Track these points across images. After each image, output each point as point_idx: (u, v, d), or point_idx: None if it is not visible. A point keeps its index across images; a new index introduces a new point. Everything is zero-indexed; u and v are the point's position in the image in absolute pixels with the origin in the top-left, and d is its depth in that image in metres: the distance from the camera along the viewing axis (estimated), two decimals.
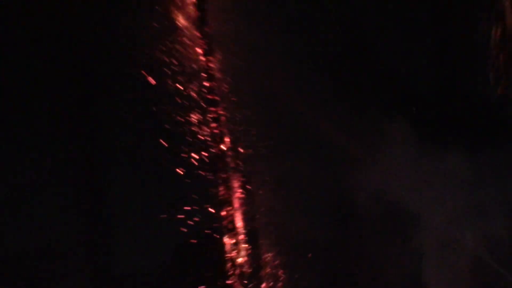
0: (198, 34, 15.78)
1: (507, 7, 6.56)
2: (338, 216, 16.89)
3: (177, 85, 15.33)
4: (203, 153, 15.15)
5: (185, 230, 15.51)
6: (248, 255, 15.88)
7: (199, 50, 15.75)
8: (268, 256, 16.07)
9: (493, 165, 14.72)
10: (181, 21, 15.75)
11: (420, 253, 15.83)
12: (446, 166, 14.85)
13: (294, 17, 15.96)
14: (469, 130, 14.54)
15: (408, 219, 15.30)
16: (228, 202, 15.59)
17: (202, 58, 15.75)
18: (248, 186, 16.16)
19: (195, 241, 15.43)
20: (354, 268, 16.77)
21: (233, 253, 15.70)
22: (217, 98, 15.71)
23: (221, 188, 15.58)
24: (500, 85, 7.01)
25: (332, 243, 16.61)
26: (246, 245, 15.99)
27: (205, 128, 15.47)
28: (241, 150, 15.95)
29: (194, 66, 15.68)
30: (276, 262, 15.92)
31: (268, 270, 15.92)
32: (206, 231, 15.71)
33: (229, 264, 15.48)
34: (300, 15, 15.98)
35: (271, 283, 15.79)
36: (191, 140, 15.34)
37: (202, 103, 15.58)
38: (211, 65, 15.77)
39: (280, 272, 15.92)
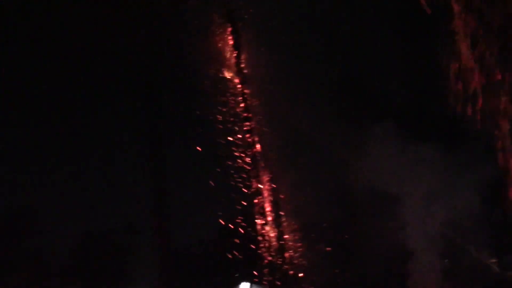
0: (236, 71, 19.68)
1: (463, 47, 6.22)
2: (339, 203, 20.18)
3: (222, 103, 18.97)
4: (242, 155, 18.57)
5: (228, 212, 18.90)
6: (274, 232, 19.22)
7: (237, 80, 19.45)
8: (289, 232, 19.28)
9: (459, 156, 17.44)
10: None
11: (403, 226, 19.00)
12: (423, 157, 17.31)
13: (307, 59, 19.32)
14: (440, 133, 17.79)
15: (392, 199, 17.72)
16: (259, 193, 18.96)
17: (239, 86, 19.45)
18: (273, 181, 19.55)
19: (235, 219, 18.76)
20: (351, 242, 20.11)
21: (263, 230, 19.32)
22: (250, 115, 19.29)
23: (254, 181, 19.03)
24: (458, 105, 6.71)
25: (334, 222, 19.82)
26: (273, 226, 19.38)
27: (241, 136, 18.92)
28: (269, 154, 19.41)
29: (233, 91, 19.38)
30: (295, 237, 19.19)
31: (289, 243, 19.24)
32: (242, 213, 19.13)
33: (259, 238, 19.03)
34: (312, 59, 19.40)
35: (292, 253, 19.01)
36: (232, 145, 18.90)
37: (239, 118, 19.18)
38: (246, 91, 19.44)
39: (298, 244, 19.15)
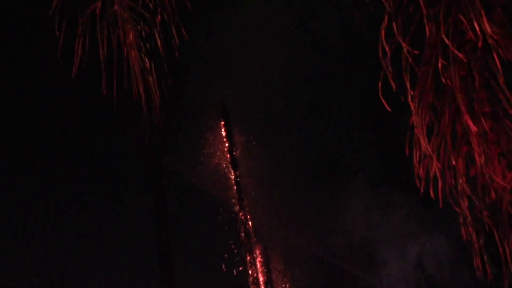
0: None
1: (421, 138, 6.33)
2: (324, 263, 20.20)
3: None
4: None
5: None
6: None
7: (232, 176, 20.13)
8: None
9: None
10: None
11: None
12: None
13: (294, 145, 20.02)
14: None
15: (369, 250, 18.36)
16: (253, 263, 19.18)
17: (232, 171, 20.04)
18: (265, 252, 19.89)
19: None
20: None
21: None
22: (242, 196, 19.77)
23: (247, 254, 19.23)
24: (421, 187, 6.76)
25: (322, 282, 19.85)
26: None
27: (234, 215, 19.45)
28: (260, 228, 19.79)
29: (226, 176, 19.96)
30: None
31: None
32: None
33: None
34: (297, 144, 20.08)
35: None
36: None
37: (234, 198, 19.64)
38: (238, 176, 19.96)
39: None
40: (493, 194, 6.36)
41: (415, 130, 6.26)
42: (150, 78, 8.02)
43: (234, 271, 19.41)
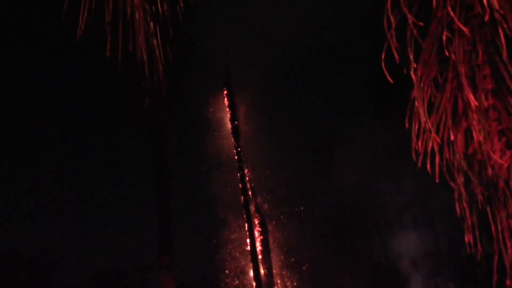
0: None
1: (421, 112, 5.85)
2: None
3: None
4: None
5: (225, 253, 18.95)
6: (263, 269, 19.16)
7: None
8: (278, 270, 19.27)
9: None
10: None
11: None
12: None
13: (295, 114, 19.72)
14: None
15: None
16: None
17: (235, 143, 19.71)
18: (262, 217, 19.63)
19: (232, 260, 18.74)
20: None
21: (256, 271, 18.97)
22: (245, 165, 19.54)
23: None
24: (418, 161, 6.24)
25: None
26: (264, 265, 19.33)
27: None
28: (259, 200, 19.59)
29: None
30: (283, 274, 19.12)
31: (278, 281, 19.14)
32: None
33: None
34: (296, 109, 19.70)
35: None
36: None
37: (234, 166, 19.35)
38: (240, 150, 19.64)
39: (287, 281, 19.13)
40: (489, 171, 6.10)
41: (416, 104, 5.99)
42: (154, 42, 7.64)
43: (233, 240, 19.26)
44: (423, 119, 5.85)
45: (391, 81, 5.82)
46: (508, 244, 6.25)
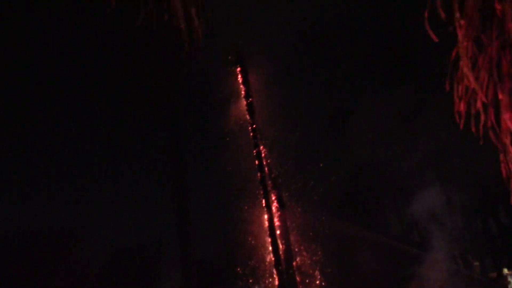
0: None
1: (465, 71, 5.57)
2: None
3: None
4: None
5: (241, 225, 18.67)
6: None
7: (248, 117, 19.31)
8: (296, 246, 19.07)
9: None
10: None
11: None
12: None
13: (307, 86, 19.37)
14: None
15: None
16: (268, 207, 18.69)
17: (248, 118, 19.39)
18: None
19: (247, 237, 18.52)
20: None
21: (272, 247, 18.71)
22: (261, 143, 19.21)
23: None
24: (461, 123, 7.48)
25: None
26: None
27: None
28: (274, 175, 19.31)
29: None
30: (302, 250, 18.95)
31: (297, 257, 18.97)
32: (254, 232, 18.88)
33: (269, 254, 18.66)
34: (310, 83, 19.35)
35: (300, 264, 18.76)
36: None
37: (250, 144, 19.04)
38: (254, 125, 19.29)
39: (306, 255, 18.95)
40: None
41: (461, 63, 5.73)
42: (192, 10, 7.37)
43: (249, 216, 19.06)
44: (471, 78, 5.58)
45: (436, 39, 5.57)
46: None
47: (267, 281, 18.67)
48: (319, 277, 18.87)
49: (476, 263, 23.10)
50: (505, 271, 20.78)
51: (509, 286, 20.10)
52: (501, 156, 6.16)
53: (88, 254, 20.12)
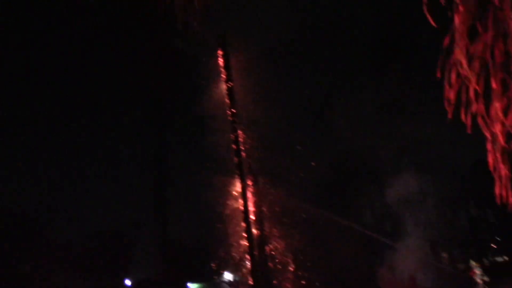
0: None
1: (461, 58, 5.46)
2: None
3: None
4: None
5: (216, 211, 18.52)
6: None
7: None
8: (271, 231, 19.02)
9: None
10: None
11: None
12: None
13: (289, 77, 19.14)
14: None
15: None
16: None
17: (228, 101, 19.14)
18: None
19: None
20: None
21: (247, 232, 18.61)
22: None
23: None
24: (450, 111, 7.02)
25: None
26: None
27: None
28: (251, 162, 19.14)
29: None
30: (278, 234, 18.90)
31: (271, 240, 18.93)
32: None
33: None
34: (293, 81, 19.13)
35: (273, 248, 18.73)
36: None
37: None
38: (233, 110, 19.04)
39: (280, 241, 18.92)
40: None
41: (455, 50, 5.66)
42: None
43: (225, 200, 18.90)
44: (464, 65, 5.52)
45: (435, 25, 5.48)
46: None
47: (240, 266, 18.69)
48: (292, 263, 18.93)
49: (445, 255, 23.56)
50: (472, 262, 21.26)
51: (476, 278, 20.54)
52: (489, 146, 6.16)
53: (64, 237, 19.80)
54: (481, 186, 19.44)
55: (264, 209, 19.02)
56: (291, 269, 18.16)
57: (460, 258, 23.88)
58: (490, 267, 22.14)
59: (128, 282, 23.10)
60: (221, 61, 19.62)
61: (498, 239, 24.14)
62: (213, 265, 19.23)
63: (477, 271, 20.20)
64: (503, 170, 5.95)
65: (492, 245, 24.59)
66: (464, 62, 5.52)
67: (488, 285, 19.64)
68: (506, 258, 25.28)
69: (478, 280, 19.95)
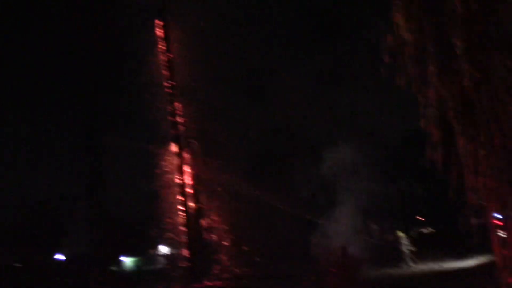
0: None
1: (400, 21, 5.53)
2: None
3: None
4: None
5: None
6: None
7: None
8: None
9: None
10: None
11: None
12: None
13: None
14: None
15: None
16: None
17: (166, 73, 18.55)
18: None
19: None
20: None
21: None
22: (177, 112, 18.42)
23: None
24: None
25: None
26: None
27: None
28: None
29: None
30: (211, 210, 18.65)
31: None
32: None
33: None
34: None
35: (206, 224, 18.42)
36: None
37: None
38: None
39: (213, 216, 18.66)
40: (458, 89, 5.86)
41: (394, 13, 5.55)
42: None
43: (162, 173, 18.43)
44: (402, 25, 5.40)
45: None
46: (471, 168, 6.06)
47: (176, 238, 18.42)
48: (229, 236, 18.84)
49: (375, 226, 24.24)
50: (399, 233, 22.01)
51: (402, 247, 21.29)
52: (422, 110, 6.15)
53: None
54: (411, 158, 20.01)
55: (201, 182, 18.77)
56: (227, 243, 18.06)
57: (389, 230, 24.73)
58: (416, 238, 23.08)
59: (61, 257, 22.39)
60: (159, 32, 19.05)
61: (425, 212, 25.12)
62: (148, 238, 18.87)
63: (404, 241, 21.00)
64: (435, 134, 5.99)
65: (418, 217, 25.61)
66: (402, 23, 5.45)
67: (413, 254, 20.39)
68: (431, 229, 26.45)
69: (405, 250, 20.70)
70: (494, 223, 6.44)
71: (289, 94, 18.38)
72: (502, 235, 6.56)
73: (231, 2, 18.39)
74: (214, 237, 18.27)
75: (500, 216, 6.45)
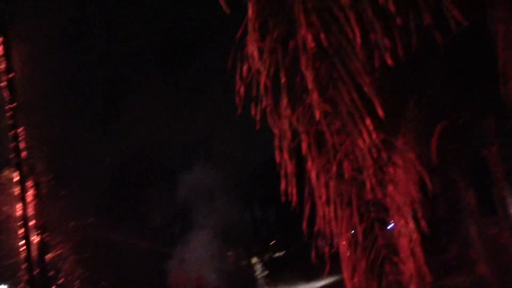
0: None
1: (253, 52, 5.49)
2: None
3: None
4: None
5: None
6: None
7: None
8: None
9: None
10: None
11: None
12: None
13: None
14: None
15: None
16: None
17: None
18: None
19: None
20: None
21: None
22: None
23: None
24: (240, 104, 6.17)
25: None
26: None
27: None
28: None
29: None
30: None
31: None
32: None
33: None
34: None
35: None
36: None
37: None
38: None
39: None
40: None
41: (248, 43, 5.34)
42: None
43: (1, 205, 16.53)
44: (256, 58, 5.21)
45: (228, 12, 5.06)
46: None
47: (18, 276, 16.53)
48: (73, 273, 17.40)
49: (230, 253, 24.19)
50: (254, 259, 22.23)
51: (256, 274, 21.51)
52: (277, 142, 6.03)
53: None
54: (265, 185, 20.38)
55: (48, 213, 17.15)
56: (72, 278, 16.62)
57: (244, 256, 24.88)
58: (269, 262, 23.50)
59: None
60: (1, 49, 17.27)
61: (277, 236, 25.76)
62: None
63: (258, 266, 21.21)
64: (289, 166, 5.88)
65: (271, 242, 26.19)
66: (256, 54, 5.27)
67: (266, 278, 20.69)
68: (284, 253, 27.21)
69: (258, 275, 20.92)
70: (344, 248, 6.56)
71: (145, 116, 17.85)
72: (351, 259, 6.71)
73: (83, 16, 17.42)
74: (61, 274, 16.78)
75: (349, 242, 6.59)
